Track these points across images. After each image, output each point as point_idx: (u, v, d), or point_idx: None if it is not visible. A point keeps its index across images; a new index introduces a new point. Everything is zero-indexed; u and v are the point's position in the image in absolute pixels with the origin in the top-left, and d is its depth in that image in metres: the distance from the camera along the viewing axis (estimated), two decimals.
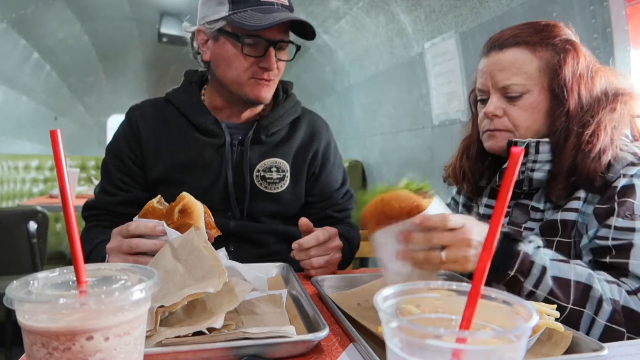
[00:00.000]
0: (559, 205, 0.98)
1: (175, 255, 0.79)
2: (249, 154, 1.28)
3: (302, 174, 1.34)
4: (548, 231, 0.95)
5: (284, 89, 1.37)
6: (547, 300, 0.80)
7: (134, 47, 5.18)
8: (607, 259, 0.87)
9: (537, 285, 0.81)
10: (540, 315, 0.67)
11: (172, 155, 1.27)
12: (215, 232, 0.98)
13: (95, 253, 1.13)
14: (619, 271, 0.86)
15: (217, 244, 0.89)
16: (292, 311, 0.85)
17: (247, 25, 1.14)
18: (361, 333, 0.70)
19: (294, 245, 1.08)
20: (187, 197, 0.94)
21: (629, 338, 0.79)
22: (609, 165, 0.93)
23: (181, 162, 1.26)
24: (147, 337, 0.64)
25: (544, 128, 1.00)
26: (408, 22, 2.87)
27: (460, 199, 1.26)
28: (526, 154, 0.98)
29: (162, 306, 0.67)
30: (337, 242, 1.14)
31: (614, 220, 0.88)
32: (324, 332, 0.69)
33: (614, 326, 0.80)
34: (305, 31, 1.21)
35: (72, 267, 0.48)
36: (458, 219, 0.78)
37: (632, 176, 0.91)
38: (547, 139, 0.98)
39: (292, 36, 1.25)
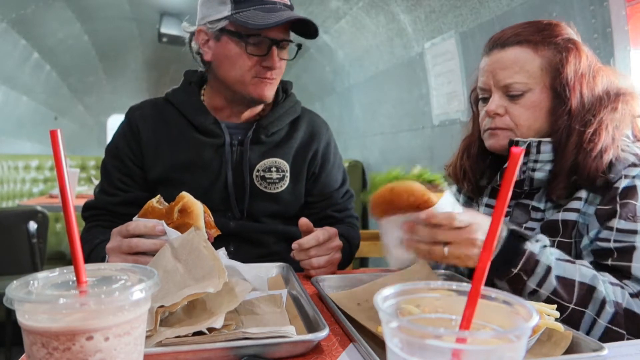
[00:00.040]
0: (559, 205, 0.98)
1: (175, 255, 0.79)
2: (249, 154, 1.28)
3: (302, 173, 1.34)
4: (549, 231, 0.95)
5: (283, 88, 1.37)
6: (549, 299, 0.80)
7: (134, 47, 5.18)
8: (609, 262, 0.87)
9: (540, 284, 0.80)
10: (540, 315, 0.67)
11: (171, 155, 1.27)
12: (215, 232, 0.98)
13: (95, 253, 1.13)
14: (621, 274, 0.86)
15: (217, 243, 0.89)
16: (292, 311, 0.85)
17: (253, 24, 1.14)
18: (361, 333, 0.70)
19: (294, 245, 1.08)
20: (186, 197, 0.94)
21: (628, 340, 0.79)
22: (611, 165, 0.92)
23: (181, 162, 1.26)
24: (147, 337, 0.64)
25: (546, 127, 1.00)
26: (408, 22, 2.87)
27: (461, 199, 1.26)
28: (527, 154, 0.98)
29: (162, 306, 0.67)
30: (337, 242, 1.14)
31: (616, 222, 0.88)
32: (324, 332, 0.69)
33: (614, 328, 0.80)
34: (307, 30, 1.22)
35: (72, 267, 0.48)
36: (465, 218, 0.78)
37: (634, 177, 0.91)
38: (548, 139, 0.98)
39: (292, 35, 1.26)
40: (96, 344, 0.42)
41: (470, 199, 1.21)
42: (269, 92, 1.25)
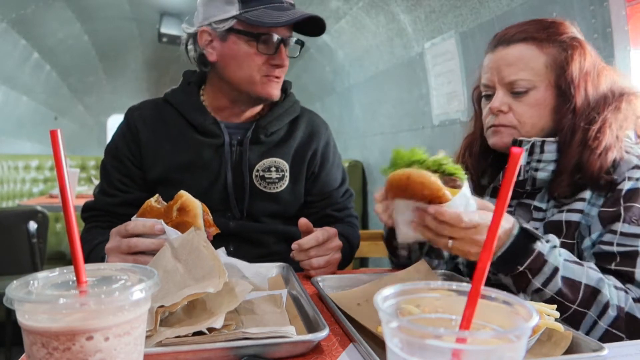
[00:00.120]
0: (561, 204, 0.97)
1: (175, 255, 0.79)
2: (248, 154, 1.28)
3: (302, 173, 1.34)
4: (552, 231, 0.95)
5: (282, 88, 1.37)
6: (553, 298, 0.80)
7: (134, 47, 5.18)
8: (612, 266, 0.87)
9: (546, 284, 0.80)
10: (540, 315, 0.67)
11: (171, 155, 1.27)
12: (214, 230, 0.98)
13: (94, 254, 1.13)
14: (624, 278, 0.86)
15: (216, 243, 0.89)
16: (292, 311, 0.85)
17: (268, 22, 1.14)
18: (361, 333, 0.70)
19: (294, 245, 1.08)
20: (185, 196, 0.94)
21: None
22: (615, 164, 0.92)
23: (180, 163, 1.26)
24: (147, 337, 0.64)
25: (549, 125, 1.00)
26: (408, 22, 2.87)
27: None
28: (531, 153, 0.97)
29: (162, 306, 0.67)
30: (337, 242, 1.14)
31: (620, 226, 0.88)
32: (324, 332, 0.69)
33: (614, 331, 0.80)
34: (312, 29, 1.23)
35: (72, 267, 0.48)
36: (474, 218, 0.77)
37: (637, 180, 0.90)
38: (552, 139, 0.97)
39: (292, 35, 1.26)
40: (96, 344, 0.42)
41: None
42: (277, 91, 1.26)
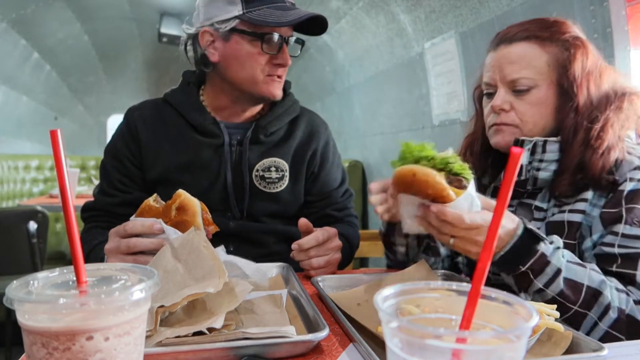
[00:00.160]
0: (562, 203, 0.97)
1: (175, 255, 0.79)
2: (248, 153, 1.28)
3: (301, 173, 1.34)
4: (554, 231, 0.95)
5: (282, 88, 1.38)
6: (554, 299, 0.80)
7: (134, 47, 5.18)
8: (614, 268, 0.87)
9: (548, 284, 0.80)
10: (540, 315, 0.67)
11: (171, 155, 1.27)
12: (214, 229, 0.97)
13: (93, 254, 1.13)
14: (625, 280, 0.86)
15: (216, 243, 0.89)
16: (292, 311, 0.85)
17: (273, 22, 1.14)
18: (361, 333, 0.70)
19: (294, 246, 1.08)
20: (183, 195, 0.93)
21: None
22: (616, 165, 0.92)
23: (180, 163, 1.26)
24: (147, 337, 0.64)
25: (551, 124, 1.00)
26: (408, 22, 2.87)
27: None
28: (533, 153, 0.97)
29: (162, 306, 0.67)
30: (337, 242, 1.14)
31: (622, 228, 0.88)
32: (324, 332, 0.69)
33: (614, 333, 0.80)
34: (312, 29, 1.23)
35: (72, 267, 0.48)
36: (477, 219, 0.77)
37: (639, 181, 0.90)
38: (554, 138, 0.97)
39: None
40: (96, 344, 0.42)
41: None
42: (279, 91, 1.27)
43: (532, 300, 0.82)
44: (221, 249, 0.91)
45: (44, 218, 2.51)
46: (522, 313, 0.40)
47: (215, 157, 1.28)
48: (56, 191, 3.89)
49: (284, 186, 1.31)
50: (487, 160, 1.13)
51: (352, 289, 0.93)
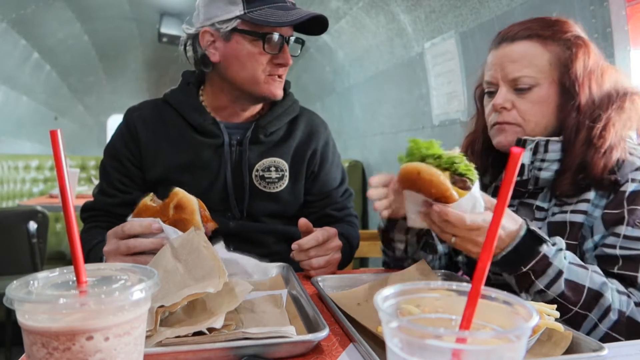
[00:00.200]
0: (563, 203, 0.97)
1: (175, 255, 0.79)
2: (248, 153, 1.28)
3: (301, 173, 1.34)
4: (556, 231, 0.95)
5: None
6: (555, 300, 0.80)
7: (134, 47, 5.18)
8: (615, 269, 0.87)
9: (549, 286, 0.80)
10: (540, 315, 0.67)
11: (170, 156, 1.27)
12: (212, 225, 0.97)
13: (93, 253, 1.13)
14: (626, 282, 0.86)
15: (216, 241, 0.89)
16: (292, 311, 0.85)
17: (274, 21, 1.15)
18: (361, 333, 0.70)
19: (294, 246, 1.08)
20: (180, 193, 0.93)
21: None
22: (618, 165, 0.92)
23: (180, 163, 1.26)
24: (147, 337, 0.64)
25: (553, 123, 0.99)
26: (408, 22, 2.87)
27: None
28: (535, 152, 0.97)
29: (162, 306, 0.67)
30: (337, 242, 1.13)
31: (624, 229, 0.87)
32: (324, 332, 0.69)
33: (614, 334, 0.80)
34: (313, 28, 1.23)
35: (72, 267, 0.48)
36: (478, 220, 0.78)
37: None
38: (556, 138, 0.97)
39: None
40: (96, 344, 0.42)
41: None
42: (280, 90, 1.27)
43: (532, 300, 0.82)
44: (221, 246, 0.91)
45: (44, 218, 2.51)
46: (522, 313, 0.40)
47: (215, 157, 1.28)
48: (56, 191, 3.89)
49: (283, 186, 1.31)
50: (488, 159, 1.13)
51: (352, 289, 0.93)
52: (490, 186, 1.13)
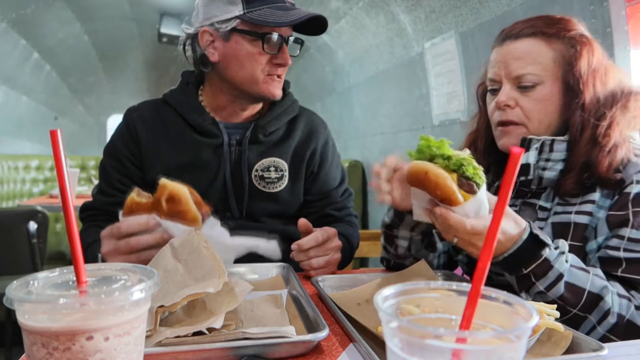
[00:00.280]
0: (567, 203, 0.96)
1: (175, 255, 0.79)
2: (247, 153, 1.28)
3: (301, 173, 1.34)
4: (559, 232, 0.95)
5: None
6: (555, 301, 0.80)
7: (134, 47, 5.18)
8: (618, 272, 0.86)
9: (549, 288, 0.80)
10: (540, 315, 0.67)
11: (170, 156, 1.27)
12: (207, 209, 0.94)
13: (89, 251, 1.12)
14: (628, 285, 0.85)
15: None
16: (292, 311, 0.85)
17: (273, 22, 1.15)
18: (361, 333, 0.70)
19: (293, 246, 1.08)
20: (169, 185, 0.89)
21: None
22: (623, 164, 0.91)
23: (179, 163, 1.26)
24: (147, 337, 0.64)
25: (556, 122, 0.99)
26: (408, 22, 2.87)
27: None
28: (540, 152, 0.96)
29: (162, 306, 0.67)
30: (337, 242, 1.13)
31: (628, 232, 0.87)
32: (324, 332, 0.69)
33: (611, 337, 0.80)
34: (312, 29, 1.23)
35: (72, 267, 0.48)
36: (479, 225, 0.77)
37: None
38: (562, 137, 0.96)
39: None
40: (96, 344, 0.42)
41: None
42: (279, 90, 1.27)
43: (532, 300, 0.82)
44: (225, 231, 0.90)
45: (44, 218, 2.51)
46: (522, 313, 0.40)
47: (214, 157, 1.28)
48: (56, 191, 3.89)
49: (283, 186, 1.31)
50: (489, 158, 1.12)
51: (352, 289, 0.93)
52: (493, 185, 1.13)
